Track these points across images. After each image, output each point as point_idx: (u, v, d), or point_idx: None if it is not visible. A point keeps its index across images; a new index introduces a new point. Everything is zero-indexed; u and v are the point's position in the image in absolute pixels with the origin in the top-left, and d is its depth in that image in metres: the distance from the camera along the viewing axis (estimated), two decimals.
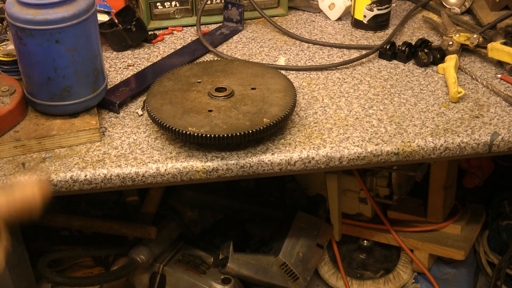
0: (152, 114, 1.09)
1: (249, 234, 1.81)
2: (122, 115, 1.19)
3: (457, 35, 1.33)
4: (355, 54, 1.35)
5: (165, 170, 1.06)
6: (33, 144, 1.10)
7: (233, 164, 1.07)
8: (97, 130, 1.12)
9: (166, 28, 1.44)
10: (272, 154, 1.08)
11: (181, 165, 1.06)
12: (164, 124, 1.06)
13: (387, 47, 1.33)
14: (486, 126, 1.14)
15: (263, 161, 1.07)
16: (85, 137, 1.12)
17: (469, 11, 1.48)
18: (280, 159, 1.08)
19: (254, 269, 1.59)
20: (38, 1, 1.05)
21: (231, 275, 1.59)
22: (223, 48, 1.38)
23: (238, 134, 1.03)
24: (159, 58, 1.34)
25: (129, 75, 1.28)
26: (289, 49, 1.38)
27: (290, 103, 1.10)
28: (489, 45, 1.29)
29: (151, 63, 1.32)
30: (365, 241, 1.79)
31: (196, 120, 1.05)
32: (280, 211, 1.73)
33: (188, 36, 1.42)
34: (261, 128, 1.05)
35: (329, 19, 1.49)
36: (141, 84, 1.24)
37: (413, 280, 1.75)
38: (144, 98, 1.21)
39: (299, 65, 1.32)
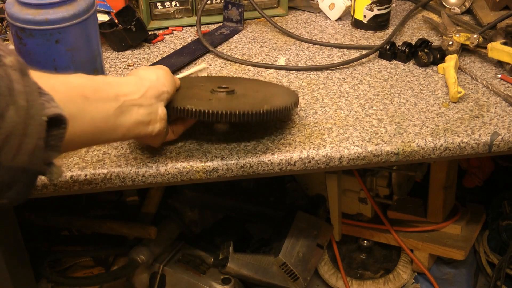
0: None
1: (249, 234, 1.81)
2: None
3: (457, 35, 1.33)
4: (355, 54, 1.35)
5: (165, 170, 1.06)
6: None
7: (233, 164, 1.07)
8: None
9: (166, 28, 1.44)
10: (272, 154, 1.08)
11: (181, 165, 1.06)
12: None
13: (387, 47, 1.33)
14: (486, 126, 1.14)
15: (263, 161, 1.08)
16: None
17: (469, 11, 1.48)
18: (280, 159, 1.08)
19: (254, 269, 1.59)
20: (38, 1, 1.05)
21: (231, 275, 1.59)
22: (223, 48, 1.38)
23: (237, 113, 1.00)
24: (159, 58, 1.34)
25: None
26: (289, 49, 1.38)
27: (293, 101, 1.10)
28: (489, 45, 1.29)
29: (151, 63, 1.32)
30: (365, 241, 1.79)
31: (195, 103, 1.03)
32: (280, 211, 1.73)
33: (188, 36, 1.42)
34: (261, 111, 1.02)
35: (329, 19, 1.49)
36: None
37: (413, 280, 1.75)
38: None
39: (299, 65, 1.32)
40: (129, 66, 1.32)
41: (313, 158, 1.09)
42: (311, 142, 1.10)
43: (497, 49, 1.28)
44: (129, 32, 1.34)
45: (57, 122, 0.71)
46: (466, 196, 1.83)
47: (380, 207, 1.74)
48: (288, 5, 1.50)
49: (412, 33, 1.44)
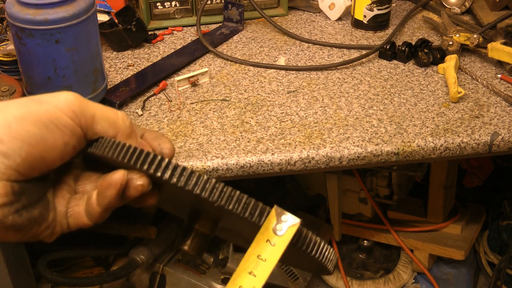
0: None
1: None
2: None
3: (457, 35, 1.33)
4: (355, 54, 1.35)
5: None
6: None
7: (233, 164, 1.07)
8: None
9: (166, 28, 1.44)
10: (272, 154, 1.08)
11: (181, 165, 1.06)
12: None
13: (387, 47, 1.33)
14: (486, 126, 1.14)
15: (263, 161, 1.07)
16: None
17: (469, 11, 1.48)
18: (280, 159, 1.08)
19: None
20: (38, 1, 1.05)
21: (231, 275, 1.59)
22: (223, 48, 1.38)
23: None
24: (159, 58, 1.34)
25: (129, 75, 1.28)
26: (289, 49, 1.38)
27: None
28: (489, 45, 1.29)
29: (151, 63, 1.32)
30: (365, 241, 1.79)
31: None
32: None
33: (188, 36, 1.42)
34: None
35: (329, 19, 1.49)
36: (141, 84, 1.24)
37: (413, 280, 1.75)
38: (144, 98, 1.21)
39: (299, 65, 1.32)
40: (129, 66, 1.32)
41: (313, 158, 1.08)
42: (311, 142, 1.10)
43: (497, 49, 1.28)
44: (129, 32, 1.34)
45: None
46: (466, 196, 1.83)
47: (380, 207, 1.74)
48: (288, 5, 1.50)
49: (412, 33, 1.44)
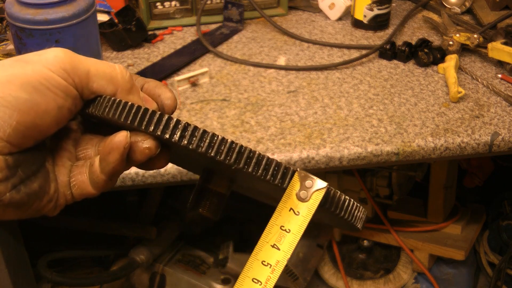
0: None
1: (249, 234, 1.81)
2: None
3: (457, 35, 1.33)
4: (355, 54, 1.35)
5: (165, 170, 1.06)
6: None
7: None
8: None
9: (166, 28, 1.44)
10: (272, 154, 1.08)
11: None
12: None
13: (387, 47, 1.33)
14: (487, 126, 1.14)
15: None
16: None
17: (469, 11, 1.48)
18: (280, 159, 1.08)
19: None
20: (38, 1, 1.05)
21: (231, 275, 1.59)
22: (223, 48, 1.38)
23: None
24: (159, 58, 1.34)
25: None
26: (289, 49, 1.37)
27: None
28: (490, 45, 1.29)
29: (151, 63, 1.32)
30: (365, 241, 1.79)
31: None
32: None
33: (188, 36, 1.42)
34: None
35: (329, 19, 1.49)
36: None
37: (413, 280, 1.75)
38: None
39: (299, 65, 1.32)
40: (129, 66, 1.32)
41: (313, 158, 1.08)
42: (311, 142, 1.10)
43: (498, 49, 1.27)
44: (129, 32, 1.34)
45: None
46: (466, 196, 1.83)
47: (380, 207, 1.74)
48: (288, 5, 1.50)
49: (412, 33, 1.44)
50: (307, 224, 0.48)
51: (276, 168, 0.49)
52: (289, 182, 0.49)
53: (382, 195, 1.74)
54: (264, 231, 0.49)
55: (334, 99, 1.22)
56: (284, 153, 1.08)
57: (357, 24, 1.44)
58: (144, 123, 0.47)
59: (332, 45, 1.39)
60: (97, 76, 0.49)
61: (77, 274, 1.66)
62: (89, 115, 0.50)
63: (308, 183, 0.48)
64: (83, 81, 0.48)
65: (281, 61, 1.33)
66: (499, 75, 1.28)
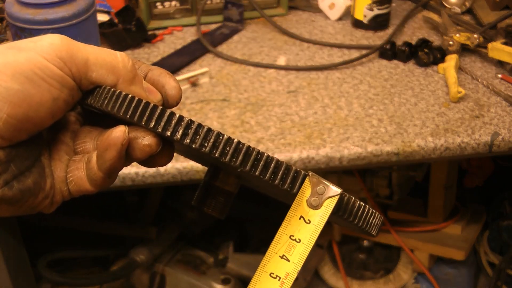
0: None
1: (249, 234, 1.81)
2: None
3: (458, 35, 1.33)
4: (355, 54, 1.35)
5: (165, 170, 1.06)
6: None
7: None
8: None
9: (166, 28, 1.44)
10: (272, 154, 1.08)
11: (181, 165, 1.06)
12: None
13: (387, 47, 1.33)
14: (487, 126, 1.14)
15: None
16: None
17: (469, 11, 1.48)
18: (280, 159, 1.07)
19: (254, 269, 1.59)
20: (38, 1, 1.05)
21: (231, 275, 1.59)
22: (223, 48, 1.38)
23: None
24: (159, 58, 1.34)
25: None
26: (289, 49, 1.37)
27: None
28: (490, 45, 1.29)
29: (151, 63, 1.32)
30: (365, 241, 1.79)
31: None
32: (280, 211, 1.73)
33: (188, 36, 1.42)
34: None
35: (329, 19, 1.49)
36: None
37: (414, 280, 1.74)
38: None
39: (299, 65, 1.32)
40: None
41: (313, 158, 1.08)
42: (311, 142, 1.10)
43: (498, 49, 1.27)
44: (129, 32, 1.34)
45: None
46: (466, 196, 1.83)
47: (380, 207, 1.74)
48: (288, 5, 1.50)
49: (412, 33, 1.44)
50: (319, 233, 0.44)
51: (285, 171, 0.46)
52: (299, 188, 0.45)
53: (382, 195, 1.74)
54: (273, 241, 0.45)
55: (334, 99, 1.22)
56: (284, 153, 1.08)
57: (357, 24, 1.44)
58: (145, 118, 0.44)
59: (332, 45, 1.39)
60: (96, 65, 0.45)
61: (77, 274, 1.66)
62: (88, 105, 0.47)
63: (320, 189, 0.45)
64: (81, 71, 0.45)
65: (281, 61, 1.33)
66: (499, 75, 1.28)
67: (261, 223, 1.80)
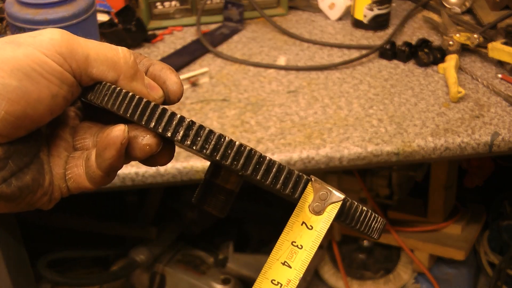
0: None
1: (249, 234, 1.81)
2: None
3: (458, 35, 1.33)
4: (355, 54, 1.35)
5: (165, 170, 1.06)
6: None
7: None
8: None
9: (166, 28, 1.44)
10: (272, 154, 1.08)
11: (181, 165, 1.06)
12: None
13: (387, 47, 1.33)
14: (487, 126, 1.14)
15: None
16: None
17: (469, 11, 1.48)
18: (280, 159, 1.07)
19: (254, 269, 1.59)
20: (38, 1, 1.05)
21: (231, 275, 1.59)
22: (223, 48, 1.38)
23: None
24: (159, 58, 1.34)
25: None
26: (289, 49, 1.37)
27: None
28: (490, 45, 1.29)
29: None
30: (365, 241, 1.79)
31: None
32: (280, 211, 1.73)
33: (188, 36, 1.42)
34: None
35: (329, 19, 1.49)
36: None
37: (414, 280, 1.74)
38: None
39: (299, 65, 1.32)
40: None
41: (313, 158, 1.08)
42: (311, 142, 1.10)
43: (498, 49, 1.27)
44: (129, 32, 1.34)
45: None
46: (466, 196, 1.83)
47: (380, 207, 1.74)
48: (288, 5, 1.50)
49: (412, 32, 1.44)
50: (321, 239, 0.44)
51: (288, 176, 0.45)
52: (301, 193, 0.45)
53: (382, 195, 1.74)
54: (274, 247, 0.45)
55: (334, 99, 1.22)
56: (284, 153, 1.08)
57: (357, 24, 1.44)
58: (145, 118, 0.44)
59: (332, 45, 1.39)
60: (97, 61, 0.44)
61: (77, 274, 1.66)
62: (88, 101, 0.47)
63: (322, 194, 0.44)
64: (81, 67, 0.44)
65: (281, 61, 1.33)
66: (499, 75, 1.28)
67: (261, 223, 1.80)
